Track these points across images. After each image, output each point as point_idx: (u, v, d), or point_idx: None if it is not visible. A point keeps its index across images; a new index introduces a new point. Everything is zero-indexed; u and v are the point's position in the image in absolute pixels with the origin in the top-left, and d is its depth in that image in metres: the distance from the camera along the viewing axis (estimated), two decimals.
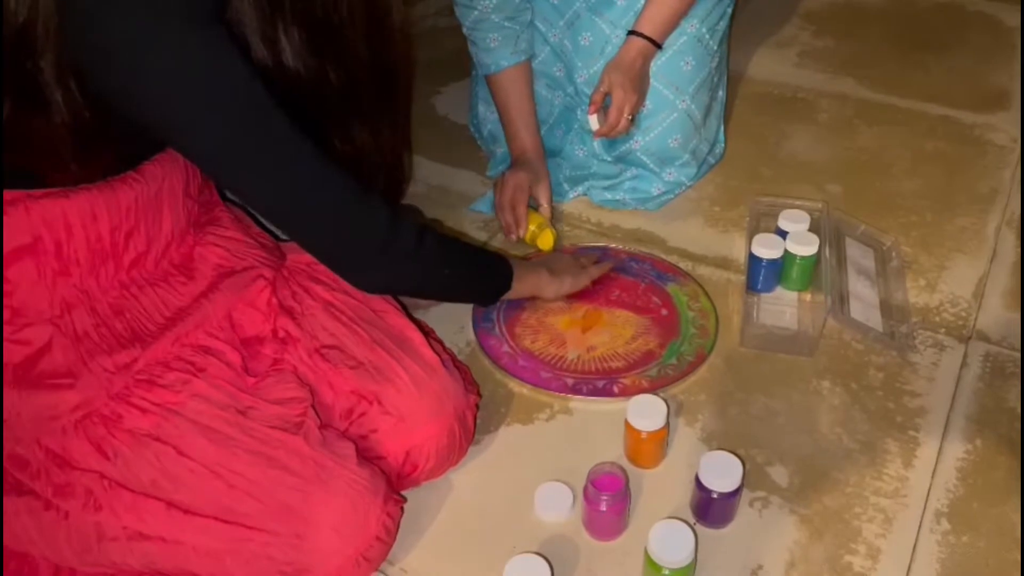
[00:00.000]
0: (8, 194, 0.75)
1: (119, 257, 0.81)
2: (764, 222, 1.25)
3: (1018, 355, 1.08)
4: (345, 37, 0.78)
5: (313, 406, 0.85)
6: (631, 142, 1.31)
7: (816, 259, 1.14)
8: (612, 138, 1.29)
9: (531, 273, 1.08)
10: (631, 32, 1.24)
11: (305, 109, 0.77)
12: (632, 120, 1.25)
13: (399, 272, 0.89)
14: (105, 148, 0.76)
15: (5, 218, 0.75)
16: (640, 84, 1.25)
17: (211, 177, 0.77)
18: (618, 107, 1.22)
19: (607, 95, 1.23)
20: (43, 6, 0.65)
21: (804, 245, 1.13)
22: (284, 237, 1.02)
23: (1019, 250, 1.24)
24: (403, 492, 0.90)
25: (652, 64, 1.28)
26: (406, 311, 0.97)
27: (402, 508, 0.87)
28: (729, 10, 1.35)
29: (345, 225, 0.82)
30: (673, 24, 1.25)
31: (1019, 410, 1.00)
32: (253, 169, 0.75)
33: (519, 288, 1.05)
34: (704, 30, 1.29)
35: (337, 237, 0.83)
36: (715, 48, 1.32)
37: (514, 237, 1.25)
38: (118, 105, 0.70)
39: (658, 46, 1.25)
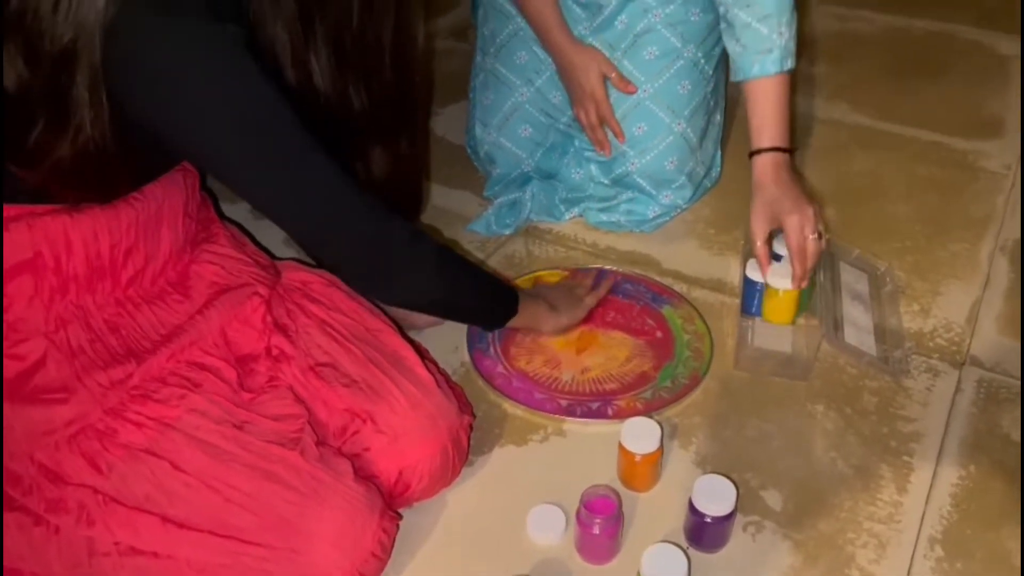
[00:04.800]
0: (11, 209, 0.75)
1: (117, 274, 0.82)
2: None
3: (1012, 381, 1.08)
4: (372, 61, 0.80)
5: (310, 422, 0.85)
6: (628, 164, 1.32)
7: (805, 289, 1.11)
8: (810, 269, 1.08)
9: (532, 304, 1.08)
10: (753, 153, 1.12)
11: (329, 131, 0.79)
12: (821, 236, 1.07)
13: (418, 286, 0.90)
14: (123, 173, 0.78)
15: (7, 234, 0.75)
16: (795, 187, 1.09)
17: (241, 197, 0.79)
18: (798, 232, 1.05)
19: (773, 233, 1.10)
20: (88, 27, 0.66)
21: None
22: (279, 255, 1.02)
23: (1012, 276, 1.25)
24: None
25: (650, 87, 1.29)
26: (401, 331, 0.97)
27: (398, 525, 0.86)
28: None
29: (372, 241, 0.85)
30: (784, 113, 1.11)
31: (1012, 436, 1.01)
32: (282, 191, 0.78)
33: (520, 318, 1.05)
34: (700, 55, 1.30)
35: (364, 253, 0.85)
36: (711, 73, 1.34)
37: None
38: (153, 127, 0.71)
39: (787, 151, 1.12)
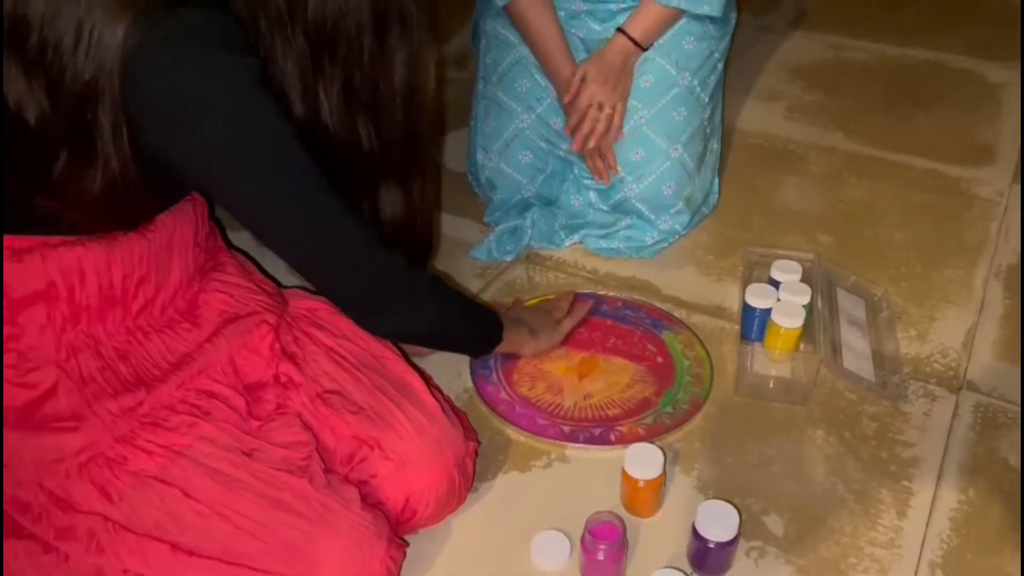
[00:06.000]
0: (25, 240, 0.76)
1: (128, 304, 0.82)
2: (757, 272, 1.27)
3: (1009, 405, 1.09)
4: (383, 101, 0.81)
5: (317, 450, 0.85)
6: (626, 190, 1.34)
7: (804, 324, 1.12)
8: (594, 144, 1.30)
9: (514, 330, 1.09)
10: (618, 30, 1.29)
11: (337, 169, 0.80)
12: (612, 125, 1.28)
13: (413, 319, 0.91)
14: (146, 203, 0.79)
15: (21, 264, 0.76)
16: (619, 82, 1.29)
17: (243, 224, 0.79)
18: (589, 99, 1.27)
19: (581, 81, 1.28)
20: (108, 63, 0.67)
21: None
22: (285, 283, 1.03)
23: (1007, 302, 1.26)
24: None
25: (646, 113, 1.31)
26: (406, 357, 0.98)
27: (405, 552, 0.87)
28: (720, 65, 1.38)
29: (369, 274, 0.85)
30: (660, 31, 1.29)
31: (1011, 460, 1.02)
32: (288, 224, 0.79)
33: (504, 344, 1.07)
34: (695, 83, 1.33)
35: (361, 286, 0.86)
36: (706, 100, 1.36)
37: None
38: (168, 155, 0.72)
39: (642, 48, 1.29)
